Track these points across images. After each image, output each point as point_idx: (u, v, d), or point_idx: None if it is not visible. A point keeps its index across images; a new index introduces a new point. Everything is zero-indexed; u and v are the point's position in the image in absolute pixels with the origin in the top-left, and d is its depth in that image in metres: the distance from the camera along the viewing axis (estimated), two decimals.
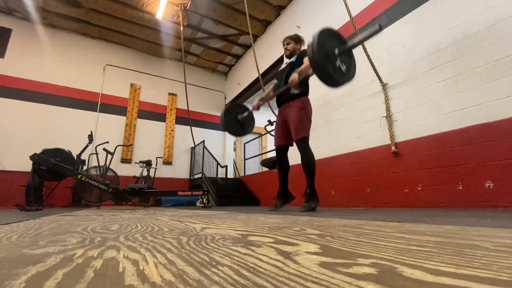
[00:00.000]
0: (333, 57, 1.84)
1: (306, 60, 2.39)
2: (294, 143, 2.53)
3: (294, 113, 2.48)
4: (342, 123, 3.79)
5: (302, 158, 2.42)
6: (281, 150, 2.67)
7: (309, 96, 2.63)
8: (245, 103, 7.80)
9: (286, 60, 2.80)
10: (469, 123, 2.40)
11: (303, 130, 2.43)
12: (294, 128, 2.46)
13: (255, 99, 2.92)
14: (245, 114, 2.99)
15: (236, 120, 3.00)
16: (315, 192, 2.39)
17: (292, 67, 2.62)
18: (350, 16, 2.98)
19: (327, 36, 1.87)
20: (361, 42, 1.86)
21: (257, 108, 2.84)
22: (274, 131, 2.81)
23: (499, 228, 0.80)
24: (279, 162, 2.69)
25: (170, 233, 0.85)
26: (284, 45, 2.77)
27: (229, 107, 3.08)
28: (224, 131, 3.13)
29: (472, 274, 0.33)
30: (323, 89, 4.08)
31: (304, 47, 2.85)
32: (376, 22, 1.66)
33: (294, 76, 2.33)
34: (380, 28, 1.66)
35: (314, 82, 2.71)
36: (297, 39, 2.74)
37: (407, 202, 2.80)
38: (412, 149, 2.85)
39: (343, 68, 1.87)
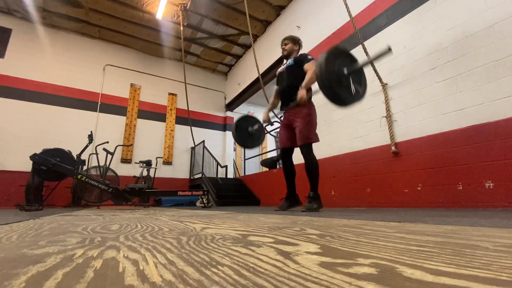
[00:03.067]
0: (342, 77, 1.82)
1: (308, 70, 2.41)
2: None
3: (300, 119, 2.48)
4: (342, 123, 3.79)
5: (306, 163, 2.44)
6: (286, 152, 2.68)
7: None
8: (247, 103, 7.87)
9: (285, 62, 2.81)
10: (469, 123, 2.40)
11: (308, 136, 2.44)
12: (299, 133, 2.46)
13: (263, 111, 2.93)
14: (256, 126, 3.03)
15: (247, 132, 3.05)
16: (318, 196, 2.41)
17: (290, 71, 2.63)
18: (350, 16, 2.98)
19: (336, 55, 1.85)
20: (371, 62, 1.86)
21: (268, 121, 2.86)
22: (277, 132, 2.83)
23: (499, 228, 0.80)
24: (284, 165, 2.70)
25: (170, 233, 0.85)
26: (282, 46, 2.79)
27: (240, 119, 3.12)
28: (238, 144, 3.16)
29: (472, 274, 0.33)
30: None
31: (302, 49, 2.86)
32: (386, 45, 1.70)
33: (303, 94, 2.35)
34: (390, 50, 1.67)
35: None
36: (295, 40, 2.77)
37: (407, 202, 2.80)
38: (412, 149, 2.85)
39: (353, 88, 1.84)
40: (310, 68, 2.44)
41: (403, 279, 0.32)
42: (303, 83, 2.40)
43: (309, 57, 2.57)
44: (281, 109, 2.76)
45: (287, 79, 2.65)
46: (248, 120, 3.13)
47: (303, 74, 2.48)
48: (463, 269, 0.35)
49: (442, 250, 0.49)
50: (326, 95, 1.80)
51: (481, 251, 0.47)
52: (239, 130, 3.00)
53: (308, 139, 2.43)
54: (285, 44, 2.76)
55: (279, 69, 2.81)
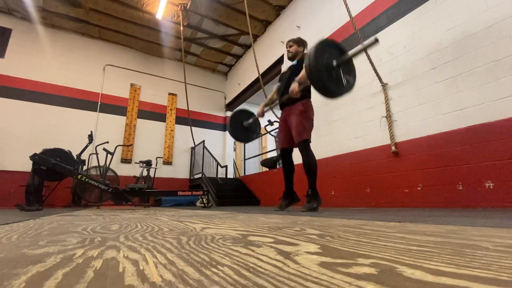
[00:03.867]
0: (331, 69, 1.84)
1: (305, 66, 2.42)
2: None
3: (295, 116, 2.49)
4: (342, 123, 3.79)
5: (303, 160, 2.44)
6: (285, 152, 2.71)
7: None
8: (247, 103, 7.85)
9: (289, 63, 2.82)
10: (469, 123, 2.40)
11: (304, 132, 2.44)
12: (295, 131, 2.47)
13: (259, 105, 2.95)
14: (251, 120, 3.04)
15: (242, 127, 3.06)
16: (317, 193, 2.40)
17: (292, 70, 2.64)
18: (350, 16, 2.98)
19: (325, 47, 1.87)
20: (358, 53, 1.89)
21: (262, 114, 2.90)
22: (277, 133, 2.85)
23: (499, 228, 0.80)
24: (284, 164, 2.72)
25: (170, 233, 0.85)
26: (287, 47, 2.79)
27: (235, 114, 3.12)
28: (233, 138, 3.19)
29: (472, 274, 0.33)
30: None
31: (307, 50, 2.86)
32: (374, 36, 1.74)
33: (294, 86, 2.36)
34: (377, 41, 1.70)
35: None
36: (300, 42, 2.76)
37: (407, 202, 2.80)
38: (412, 149, 2.85)
39: (343, 79, 1.86)
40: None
41: (403, 279, 0.32)
42: (297, 77, 2.40)
43: None
44: (280, 108, 2.77)
45: (288, 80, 2.65)
46: (243, 113, 3.15)
47: None
48: (463, 269, 0.35)
49: (442, 250, 0.49)
50: (316, 88, 1.83)
51: (481, 251, 0.47)
52: (234, 124, 3.02)
53: (304, 136, 2.43)
54: (290, 46, 2.74)
55: (283, 70, 2.82)
